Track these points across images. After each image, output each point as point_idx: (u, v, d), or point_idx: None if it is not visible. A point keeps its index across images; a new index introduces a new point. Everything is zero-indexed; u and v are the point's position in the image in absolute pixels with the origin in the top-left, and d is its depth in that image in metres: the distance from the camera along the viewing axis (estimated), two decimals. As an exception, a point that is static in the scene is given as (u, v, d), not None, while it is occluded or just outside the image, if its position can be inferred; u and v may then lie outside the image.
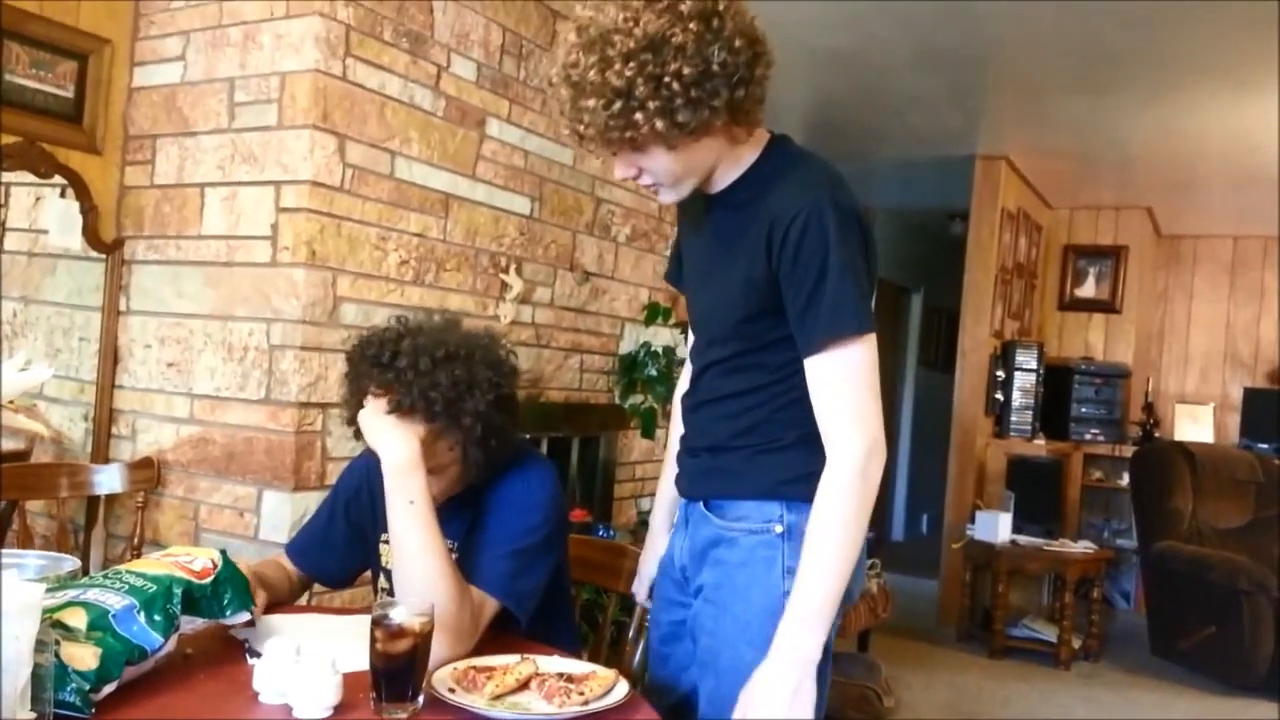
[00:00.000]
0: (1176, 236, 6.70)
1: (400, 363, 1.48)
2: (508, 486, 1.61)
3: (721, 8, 1.27)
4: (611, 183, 3.53)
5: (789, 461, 1.40)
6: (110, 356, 2.76)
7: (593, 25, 1.27)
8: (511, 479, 1.62)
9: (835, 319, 1.33)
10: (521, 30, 3.10)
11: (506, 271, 3.08)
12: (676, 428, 1.67)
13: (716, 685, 1.44)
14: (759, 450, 1.44)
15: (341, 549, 1.76)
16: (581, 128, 1.30)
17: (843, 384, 1.35)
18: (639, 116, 1.26)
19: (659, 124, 1.26)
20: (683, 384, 1.66)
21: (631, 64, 1.23)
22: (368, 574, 1.81)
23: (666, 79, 1.24)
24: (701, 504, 1.52)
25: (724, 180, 1.44)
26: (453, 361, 1.50)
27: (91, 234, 2.72)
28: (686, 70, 1.24)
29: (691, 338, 1.61)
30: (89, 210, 2.70)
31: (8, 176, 2.58)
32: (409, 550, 1.44)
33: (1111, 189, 5.86)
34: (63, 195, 2.69)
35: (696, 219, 1.52)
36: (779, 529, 1.42)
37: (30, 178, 2.60)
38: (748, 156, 1.43)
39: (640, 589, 1.78)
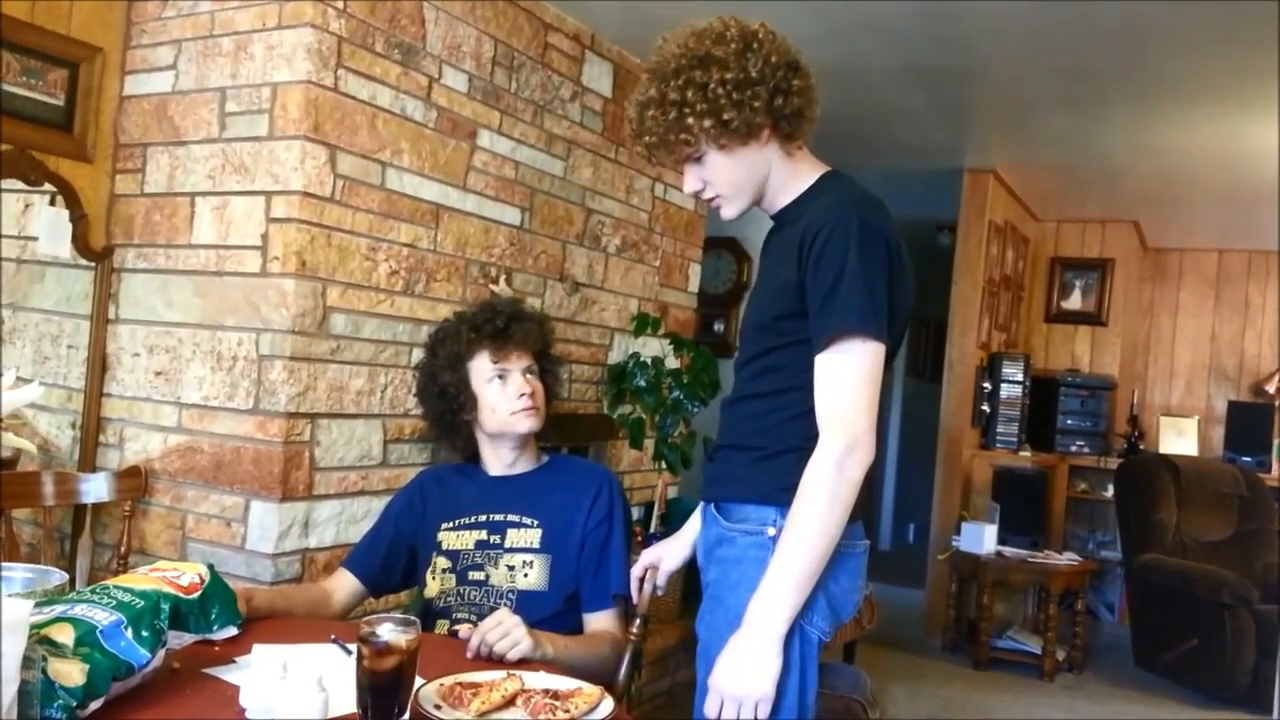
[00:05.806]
0: (1162, 250, 6.75)
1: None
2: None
3: (761, 34, 1.52)
4: (602, 194, 3.54)
5: (788, 468, 1.46)
6: (98, 365, 2.76)
7: (657, 59, 1.54)
8: None
9: (841, 317, 1.43)
10: (513, 42, 3.11)
11: (496, 282, 3.09)
12: None
13: (709, 674, 1.50)
14: (766, 455, 1.52)
15: (388, 554, 2.03)
16: (649, 138, 1.54)
17: (837, 380, 1.44)
18: (691, 121, 1.49)
19: (708, 123, 1.48)
20: None
21: (682, 78, 1.49)
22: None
23: (711, 85, 1.47)
24: (712, 505, 1.61)
25: (782, 200, 1.62)
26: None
27: (81, 242, 2.71)
28: (728, 76, 1.47)
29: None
30: (79, 218, 2.70)
31: (-3, 184, 2.58)
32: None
33: (1098, 202, 5.90)
34: (52, 203, 2.68)
35: (765, 250, 1.68)
36: (771, 531, 1.49)
37: (20, 185, 2.59)
38: (805, 180, 1.61)
39: (635, 570, 1.88)
